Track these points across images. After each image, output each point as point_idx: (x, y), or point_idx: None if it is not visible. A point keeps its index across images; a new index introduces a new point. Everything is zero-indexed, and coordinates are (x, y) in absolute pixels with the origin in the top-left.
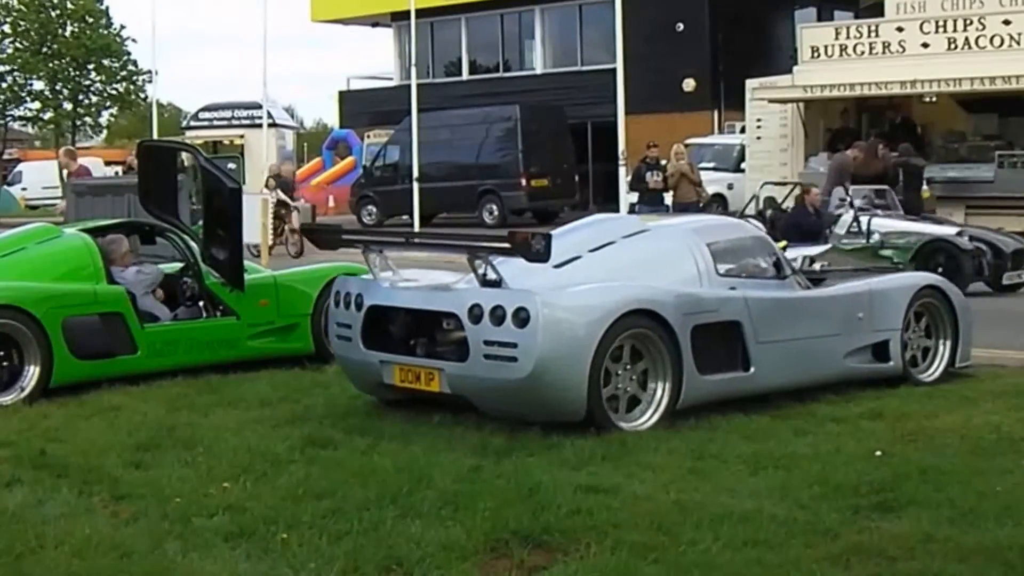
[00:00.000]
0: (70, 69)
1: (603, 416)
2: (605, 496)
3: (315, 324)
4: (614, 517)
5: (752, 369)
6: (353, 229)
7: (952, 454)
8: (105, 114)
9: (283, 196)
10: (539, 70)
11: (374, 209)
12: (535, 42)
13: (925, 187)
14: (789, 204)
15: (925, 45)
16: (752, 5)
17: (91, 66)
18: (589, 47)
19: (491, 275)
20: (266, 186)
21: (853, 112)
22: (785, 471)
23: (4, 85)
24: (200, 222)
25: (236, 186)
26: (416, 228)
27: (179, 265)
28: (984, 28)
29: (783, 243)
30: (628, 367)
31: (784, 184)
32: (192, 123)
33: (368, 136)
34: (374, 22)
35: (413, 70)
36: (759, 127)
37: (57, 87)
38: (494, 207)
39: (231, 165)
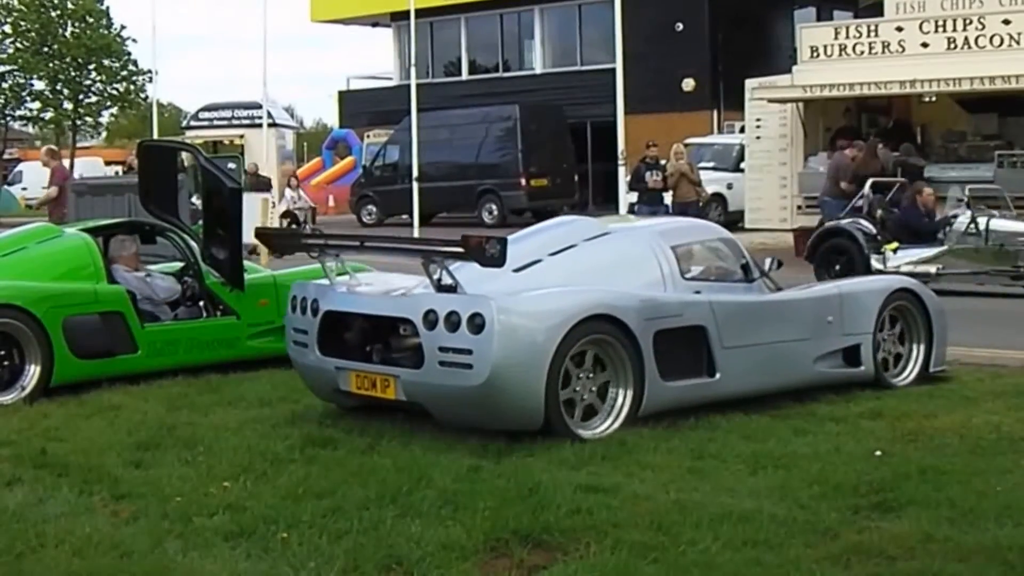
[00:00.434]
0: (70, 69)
1: (561, 424)
2: (605, 495)
3: None
4: (614, 516)
5: (718, 375)
6: (306, 233)
7: (952, 454)
8: (105, 114)
9: (305, 196)
10: (539, 70)
11: (374, 209)
12: (534, 42)
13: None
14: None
15: (925, 45)
16: (751, 5)
17: (91, 66)
18: (588, 47)
19: (446, 280)
20: (288, 185)
21: (853, 111)
22: (785, 471)
23: (5, 85)
24: (200, 221)
25: (236, 186)
26: (416, 228)
27: (179, 265)
28: (984, 28)
29: (894, 244)
30: (588, 374)
31: (890, 182)
32: (192, 123)
33: (368, 136)
34: (374, 22)
35: (413, 70)
36: (758, 127)
37: (57, 87)
38: (494, 207)
39: (231, 165)
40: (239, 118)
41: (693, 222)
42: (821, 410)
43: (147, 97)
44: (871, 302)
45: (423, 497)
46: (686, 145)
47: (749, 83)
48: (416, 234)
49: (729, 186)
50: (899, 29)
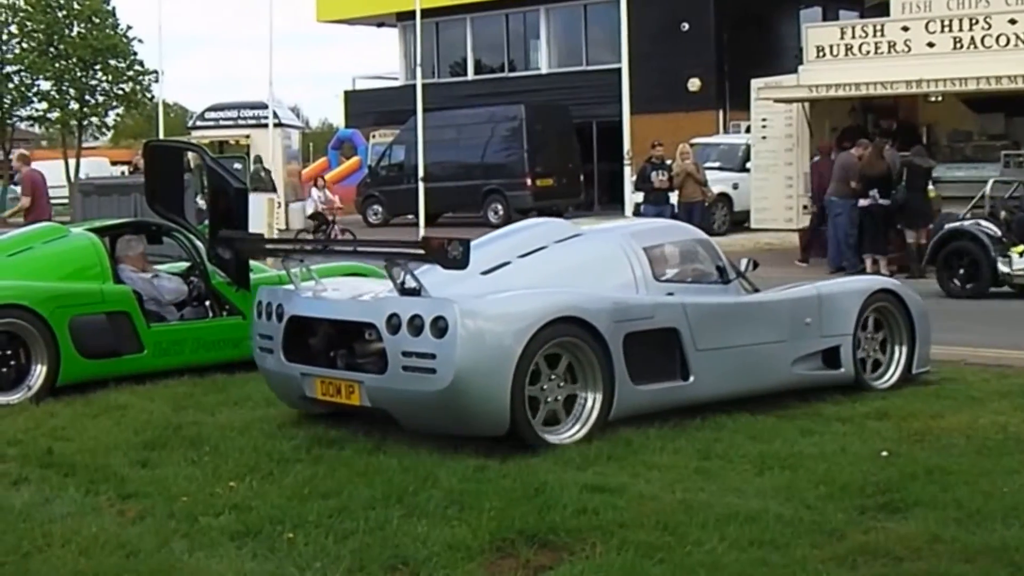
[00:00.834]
0: (77, 69)
1: (528, 430)
2: (611, 496)
3: None
4: (620, 517)
5: (692, 378)
6: (273, 238)
7: (958, 454)
8: (111, 114)
9: (332, 197)
10: (544, 70)
11: (380, 209)
12: (540, 42)
13: (931, 187)
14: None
15: (931, 45)
16: (757, 5)
17: (98, 66)
18: (594, 47)
19: (410, 283)
20: (315, 185)
21: (860, 111)
22: (791, 471)
23: (11, 85)
24: (206, 221)
25: (242, 186)
26: (421, 228)
27: (185, 265)
28: (990, 28)
29: (1021, 247)
30: (555, 378)
31: (1010, 183)
32: (198, 123)
33: (374, 136)
34: (379, 22)
35: (418, 70)
36: (764, 127)
37: (64, 87)
38: (499, 207)
39: (237, 165)
40: (245, 118)
41: (667, 223)
42: (827, 410)
43: (153, 97)
44: (851, 303)
45: (429, 497)
46: (692, 145)
47: (755, 83)
48: (422, 234)
49: (735, 186)
50: (905, 29)
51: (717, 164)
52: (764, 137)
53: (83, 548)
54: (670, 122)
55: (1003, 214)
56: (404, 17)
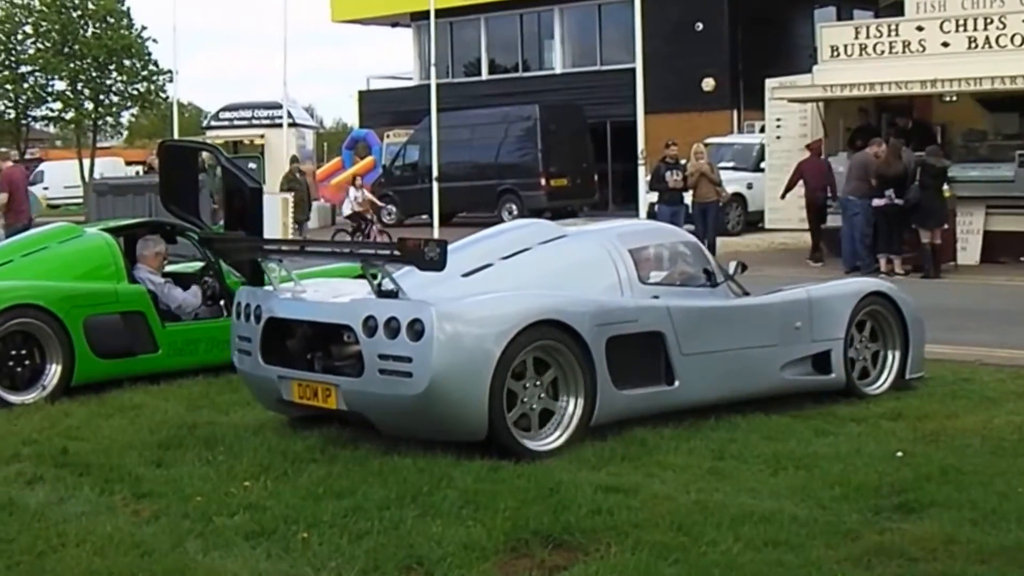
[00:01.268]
0: (91, 69)
1: (507, 435)
2: (625, 496)
3: None
4: (634, 517)
5: (677, 382)
6: (249, 238)
7: (973, 455)
8: (126, 114)
9: (370, 196)
10: (558, 70)
11: (394, 209)
12: (554, 42)
13: (946, 187)
14: None
15: (945, 44)
16: (772, 4)
17: (112, 66)
18: (608, 46)
19: (388, 285)
20: (352, 184)
21: (873, 111)
22: (806, 471)
23: (26, 85)
24: (221, 221)
25: (257, 186)
26: (436, 228)
27: (200, 264)
28: (1005, 27)
29: None
30: (535, 382)
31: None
32: (213, 123)
33: (388, 136)
34: (394, 22)
35: (433, 70)
36: (779, 126)
37: (78, 87)
38: (513, 207)
39: (251, 165)
40: (259, 118)
41: (654, 225)
42: (842, 411)
43: (167, 97)
44: (842, 307)
45: (444, 497)
46: (706, 145)
47: (769, 83)
48: (436, 234)
49: (749, 186)
50: (920, 29)
51: (731, 164)
52: (778, 137)
53: (98, 547)
54: (684, 122)
55: None
56: (418, 17)
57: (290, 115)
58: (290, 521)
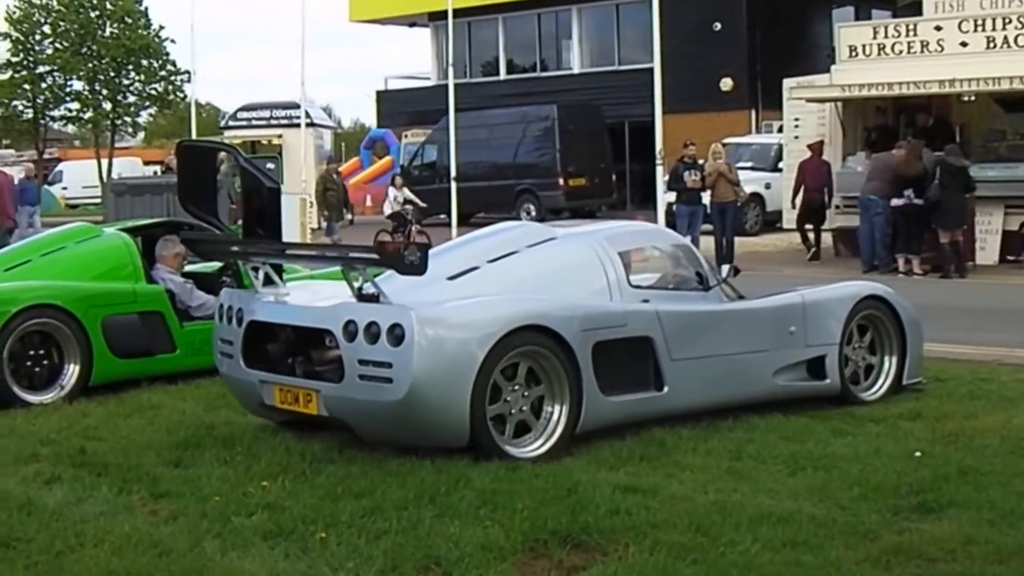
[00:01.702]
0: (109, 69)
1: (489, 442)
2: (643, 496)
3: None
4: (653, 517)
5: (666, 388)
6: (231, 240)
7: (992, 455)
8: (144, 114)
9: (410, 195)
10: (576, 70)
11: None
12: (572, 42)
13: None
14: None
15: (964, 44)
16: (790, 4)
17: (130, 66)
18: (626, 46)
19: (369, 289)
20: (392, 184)
21: (891, 110)
22: (824, 472)
23: (44, 85)
24: (239, 222)
25: (275, 186)
26: (454, 227)
27: (218, 264)
28: (1023, 27)
29: None
30: (519, 388)
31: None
32: (230, 123)
33: (406, 136)
34: (412, 22)
35: (451, 70)
36: (797, 126)
37: (96, 87)
38: (531, 207)
39: (270, 165)
40: (277, 118)
41: (644, 227)
42: (860, 411)
43: (185, 97)
44: (838, 311)
45: (462, 497)
46: (724, 145)
47: (787, 82)
48: (455, 234)
49: (767, 186)
50: (938, 28)
51: (749, 164)
52: (796, 137)
53: (116, 547)
54: (702, 122)
55: None
56: (436, 17)
57: (308, 115)
58: (308, 521)
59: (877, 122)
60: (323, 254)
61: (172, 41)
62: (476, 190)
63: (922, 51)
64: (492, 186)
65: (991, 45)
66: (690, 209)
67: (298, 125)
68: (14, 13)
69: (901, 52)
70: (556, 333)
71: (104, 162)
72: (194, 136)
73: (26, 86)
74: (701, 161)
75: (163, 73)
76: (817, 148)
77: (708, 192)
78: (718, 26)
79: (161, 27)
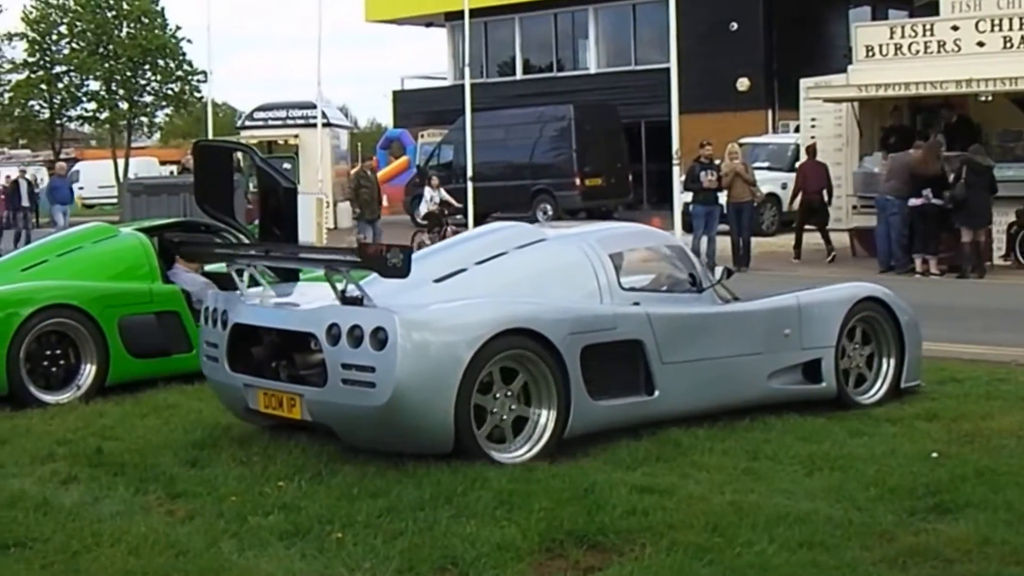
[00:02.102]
0: (126, 69)
1: (475, 447)
2: (660, 497)
3: None
4: (669, 518)
5: (657, 392)
6: (219, 242)
7: (1009, 455)
8: (160, 114)
9: (446, 196)
10: (593, 70)
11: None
12: (589, 42)
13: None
14: None
15: (981, 44)
16: (806, 4)
17: (147, 66)
18: (643, 46)
19: (352, 291)
20: (428, 184)
21: (906, 111)
22: (841, 472)
23: (61, 85)
24: (256, 222)
25: (291, 186)
26: (471, 227)
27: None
28: None
29: None
30: (505, 393)
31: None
32: (247, 123)
33: (422, 136)
34: (428, 22)
35: (467, 70)
36: (813, 126)
37: (113, 87)
38: (548, 207)
39: (286, 165)
40: (293, 118)
41: (636, 228)
42: (877, 411)
43: (202, 97)
44: (834, 313)
45: (478, 498)
46: (741, 145)
47: (804, 82)
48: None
49: (784, 186)
50: (955, 28)
51: (766, 164)
52: (813, 137)
53: (132, 547)
54: (719, 122)
55: None
56: (452, 17)
57: (324, 115)
58: (324, 521)
59: (893, 122)
60: (305, 256)
61: (188, 41)
62: (492, 190)
63: (939, 51)
64: (508, 186)
65: (1008, 45)
66: (706, 209)
67: (314, 125)
68: (31, 13)
69: (918, 52)
70: (543, 336)
71: (120, 162)
72: (210, 136)
73: (43, 86)
74: (717, 161)
75: (179, 73)
76: (812, 149)
77: (724, 192)
78: (735, 26)
79: (178, 27)
